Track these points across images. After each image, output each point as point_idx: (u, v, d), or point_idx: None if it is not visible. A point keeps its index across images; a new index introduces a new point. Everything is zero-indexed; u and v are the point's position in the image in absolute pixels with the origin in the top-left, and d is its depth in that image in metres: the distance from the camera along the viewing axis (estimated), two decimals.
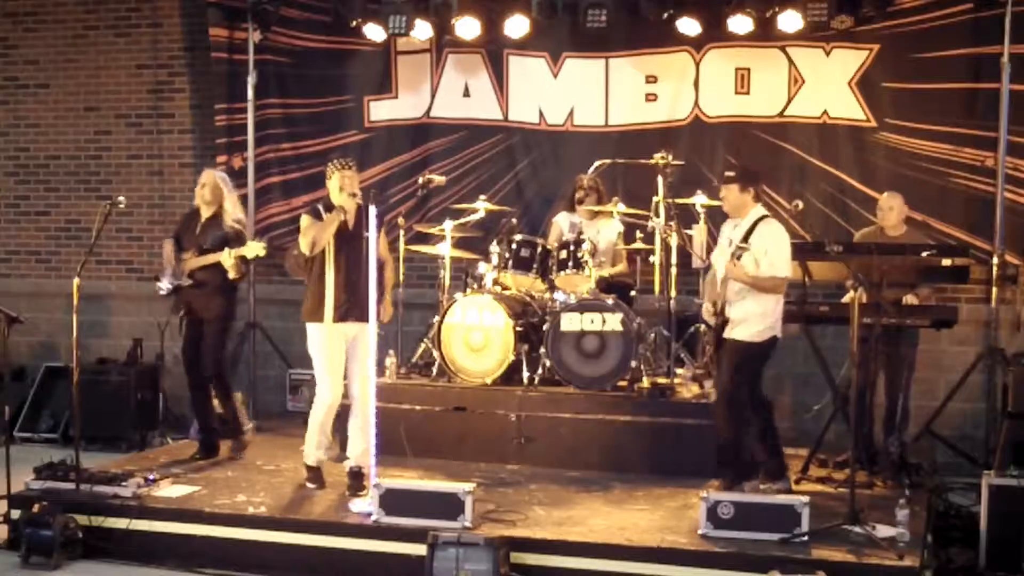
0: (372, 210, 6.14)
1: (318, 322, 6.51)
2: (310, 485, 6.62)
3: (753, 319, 6.23)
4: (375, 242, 6.16)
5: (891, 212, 7.21)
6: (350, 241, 6.48)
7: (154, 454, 7.83)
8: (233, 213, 7.35)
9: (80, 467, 6.44)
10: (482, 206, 7.99)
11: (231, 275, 7.18)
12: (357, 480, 6.48)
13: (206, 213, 7.36)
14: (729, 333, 6.30)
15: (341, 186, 6.48)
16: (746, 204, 6.32)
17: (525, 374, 7.40)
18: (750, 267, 6.19)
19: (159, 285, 7.42)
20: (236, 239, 7.19)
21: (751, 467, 6.41)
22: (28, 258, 10.33)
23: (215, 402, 7.61)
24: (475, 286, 7.77)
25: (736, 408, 6.36)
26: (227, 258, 7.07)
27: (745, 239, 6.23)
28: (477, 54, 8.99)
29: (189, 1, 9.70)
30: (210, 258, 7.16)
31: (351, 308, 6.45)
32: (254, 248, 7.06)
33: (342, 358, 6.57)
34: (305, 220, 6.55)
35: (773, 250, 6.21)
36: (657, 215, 7.50)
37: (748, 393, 6.36)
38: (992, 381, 7.99)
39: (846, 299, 6.62)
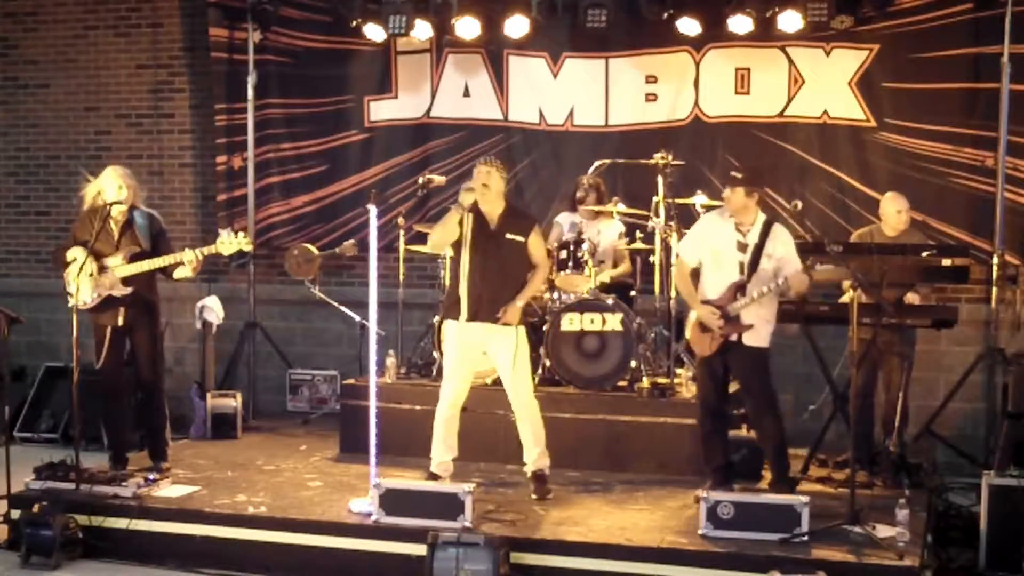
0: (373, 210, 6.13)
1: (453, 319, 6.43)
2: None
3: (762, 325, 6.17)
4: (375, 242, 6.15)
5: (899, 215, 7.06)
6: (488, 240, 6.33)
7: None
8: (144, 206, 6.82)
9: (80, 467, 6.43)
10: None
11: (191, 274, 6.69)
12: (541, 483, 6.44)
13: (119, 211, 6.73)
14: (747, 340, 6.18)
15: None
16: (751, 207, 6.20)
17: None
18: (771, 274, 6.12)
19: (82, 299, 6.66)
20: (162, 234, 6.83)
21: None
22: (28, 258, 10.33)
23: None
24: None
25: (779, 409, 6.40)
26: (195, 257, 6.58)
27: (760, 244, 6.14)
28: (477, 54, 8.99)
29: (189, 1, 9.69)
30: (169, 259, 6.64)
31: (483, 308, 6.32)
32: (234, 244, 6.68)
33: (470, 359, 6.48)
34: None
35: (793, 254, 6.17)
36: (657, 215, 7.49)
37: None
38: (992, 381, 8.00)
39: (845, 299, 6.60)
